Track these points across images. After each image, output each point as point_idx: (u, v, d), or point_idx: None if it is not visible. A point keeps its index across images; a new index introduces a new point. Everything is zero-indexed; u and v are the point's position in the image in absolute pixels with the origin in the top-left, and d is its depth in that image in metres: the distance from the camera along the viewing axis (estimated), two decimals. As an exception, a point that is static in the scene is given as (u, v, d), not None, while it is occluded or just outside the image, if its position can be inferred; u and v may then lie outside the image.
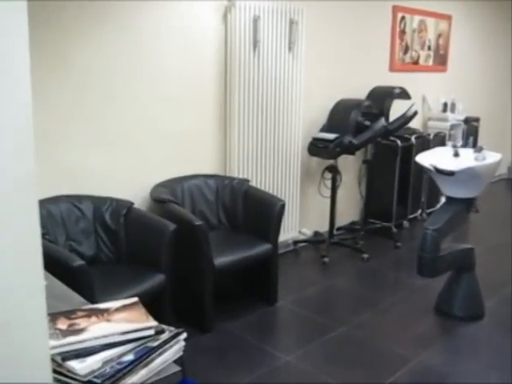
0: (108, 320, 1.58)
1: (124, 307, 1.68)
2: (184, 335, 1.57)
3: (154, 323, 1.55)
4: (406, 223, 5.63)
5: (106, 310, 1.65)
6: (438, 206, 6.11)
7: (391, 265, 4.71)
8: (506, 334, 3.56)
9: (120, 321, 1.58)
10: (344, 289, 4.22)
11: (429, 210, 6.02)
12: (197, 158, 4.06)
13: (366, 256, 4.70)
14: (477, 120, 6.65)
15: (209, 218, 3.87)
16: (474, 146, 6.65)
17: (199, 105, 4.00)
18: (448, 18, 6.38)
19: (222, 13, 4.00)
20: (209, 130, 4.10)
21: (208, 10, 3.93)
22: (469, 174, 3.40)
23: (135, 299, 1.75)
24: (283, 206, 3.69)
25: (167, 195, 3.55)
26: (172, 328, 1.59)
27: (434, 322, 3.79)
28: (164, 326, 1.57)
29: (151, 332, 1.52)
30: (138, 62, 3.58)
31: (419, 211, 5.90)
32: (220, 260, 3.39)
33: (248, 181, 4.00)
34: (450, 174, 3.39)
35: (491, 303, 3.94)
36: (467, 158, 3.64)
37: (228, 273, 3.58)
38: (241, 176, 4.17)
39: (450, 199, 3.64)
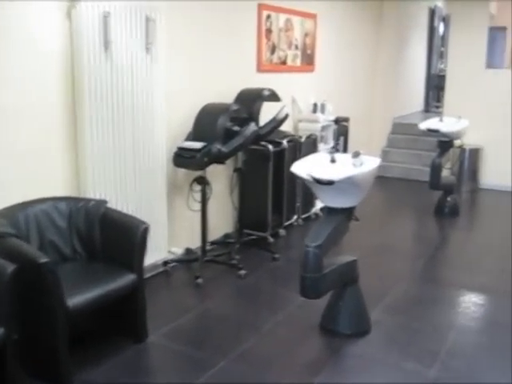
0: None
1: None
2: None
3: None
4: (282, 231, 5.36)
5: None
6: (313, 210, 5.93)
7: (270, 279, 4.40)
8: (394, 348, 3.37)
9: None
10: (222, 313, 3.82)
11: (304, 215, 5.82)
12: (43, 178, 3.46)
13: (242, 272, 4.34)
14: (346, 120, 6.57)
15: (61, 249, 3.30)
16: (345, 146, 6.59)
17: (43, 116, 3.40)
18: (313, 16, 6.21)
19: (65, 8, 3.44)
20: (56, 145, 3.51)
21: (49, 4, 3.34)
22: (349, 183, 3.14)
23: None
24: (147, 229, 3.22)
25: (6, 227, 2.94)
26: None
27: (321, 342, 3.53)
28: None
29: None
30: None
31: (295, 217, 5.67)
32: (74, 300, 2.85)
33: (105, 202, 3.48)
34: (330, 183, 3.10)
35: (375, 315, 3.74)
36: (345, 165, 3.38)
37: (86, 312, 3.05)
38: (97, 196, 3.63)
39: (329, 210, 3.37)
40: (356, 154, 3.40)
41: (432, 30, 11.00)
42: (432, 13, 10.82)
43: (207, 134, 4.15)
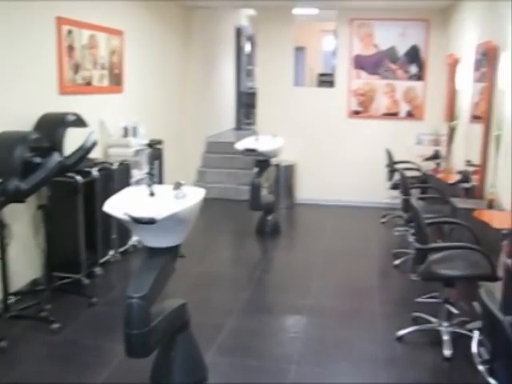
0: None
1: None
2: None
3: None
4: (98, 270, 4.82)
5: None
6: (131, 242, 5.46)
7: (89, 330, 3.85)
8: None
9: None
10: (33, 381, 3.20)
11: (122, 249, 5.32)
12: None
13: (55, 326, 3.74)
14: (160, 142, 6.22)
15: None
16: (161, 170, 6.23)
17: None
18: (120, 33, 5.76)
19: None
20: None
21: None
22: (174, 219, 2.79)
23: None
24: None
25: None
26: None
27: (151, 401, 3.10)
28: None
29: None
30: None
31: (111, 252, 5.15)
32: None
33: None
34: (151, 222, 2.72)
35: (210, 358, 3.42)
36: (166, 197, 3.02)
37: None
38: None
39: (152, 251, 2.97)
40: (177, 186, 3.06)
41: (239, 48, 11.11)
42: (238, 32, 10.92)
43: (1, 168, 3.53)
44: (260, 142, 6.36)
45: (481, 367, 2.22)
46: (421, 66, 7.64)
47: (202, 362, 3.24)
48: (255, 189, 6.09)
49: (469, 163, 5.28)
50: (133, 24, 6.09)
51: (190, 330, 3.19)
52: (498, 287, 3.50)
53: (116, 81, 5.78)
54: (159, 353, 3.14)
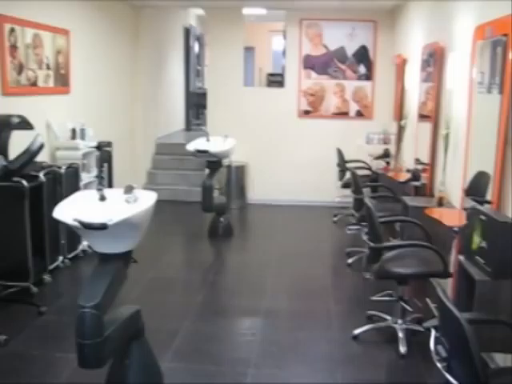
0: None
1: None
2: None
3: None
4: (47, 277, 4.65)
5: None
6: (80, 247, 5.31)
7: (39, 341, 3.70)
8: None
9: None
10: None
11: (71, 254, 5.17)
12: None
13: (2, 338, 3.58)
14: (109, 145, 6.08)
15: None
16: (110, 172, 6.09)
17: None
18: (65, 32, 5.59)
19: None
20: None
21: None
22: (126, 224, 2.70)
23: None
24: None
25: None
26: None
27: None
28: None
29: None
30: None
31: (60, 258, 4.99)
32: None
33: None
34: (103, 227, 2.63)
35: (166, 364, 3.35)
36: (117, 202, 2.93)
37: None
38: None
39: (103, 257, 2.87)
40: (129, 189, 2.97)
41: (188, 49, 11.00)
42: (187, 32, 10.82)
43: None
44: (211, 143, 6.30)
45: (439, 364, 2.23)
46: (369, 66, 7.74)
47: (158, 369, 3.16)
48: (207, 190, 6.02)
49: (418, 162, 5.37)
50: (79, 23, 5.93)
51: (144, 337, 3.10)
52: (448, 284, 3.57)
53: (62, 81, 5.61)
54: (114, 361, 3.04)
